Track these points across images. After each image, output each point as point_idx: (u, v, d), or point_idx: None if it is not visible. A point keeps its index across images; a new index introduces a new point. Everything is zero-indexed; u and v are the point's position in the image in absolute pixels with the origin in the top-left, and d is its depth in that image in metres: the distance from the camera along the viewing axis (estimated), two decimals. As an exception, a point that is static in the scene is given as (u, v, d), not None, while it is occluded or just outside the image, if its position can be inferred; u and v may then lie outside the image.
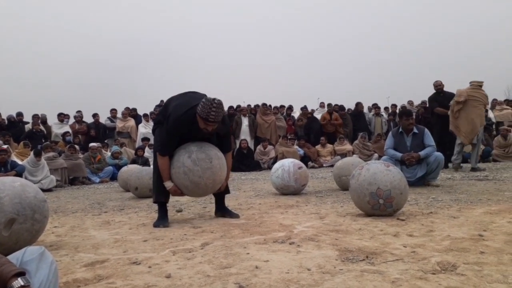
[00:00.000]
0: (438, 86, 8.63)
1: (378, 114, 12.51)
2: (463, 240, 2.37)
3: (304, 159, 10.18)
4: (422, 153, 5.21)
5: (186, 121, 3.14)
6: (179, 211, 3.98)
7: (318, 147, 11.14)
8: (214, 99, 3.02)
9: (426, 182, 5.30)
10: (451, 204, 3.71)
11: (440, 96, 8.58)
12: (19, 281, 1.13)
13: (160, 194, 3.36)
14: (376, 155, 10.48)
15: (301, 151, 10.73)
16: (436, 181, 5.31)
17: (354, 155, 10.08)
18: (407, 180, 3.36)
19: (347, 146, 11.06)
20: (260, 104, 12.22)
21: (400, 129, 5.49)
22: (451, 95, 8.45)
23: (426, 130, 5.46)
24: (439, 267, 1.87)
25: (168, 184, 3.26)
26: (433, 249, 2.19)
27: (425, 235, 2.55)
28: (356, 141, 11.11)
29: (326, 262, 2.02)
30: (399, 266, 1.91)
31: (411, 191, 4.45)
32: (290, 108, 13.07)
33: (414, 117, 5.52)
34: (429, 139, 5.35)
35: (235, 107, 12.33)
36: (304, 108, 12.70)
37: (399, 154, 5.29)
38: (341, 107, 12.34)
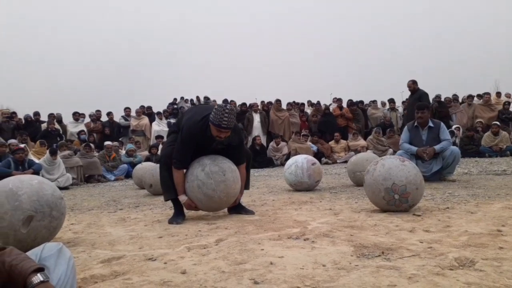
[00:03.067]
0: (408, 87, 8.61)
1: (393, 108, 12.40)
2: (481, 235, 2.33)
3: (318, 155, 10.13)
4: (437, 147, 5.12)
5: (199, 131, 3.19)
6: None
7: (332, 143, 11.07)
8: (226, 105, 3.12)
9: (442, 177, 5.22)
10: (468, 199, 3.65)
11: (411, 96, 8.57)
12: (39, 277, 1.15)
13: (167, 192, 3.38)
14: (390, 150, 10.37)
15: (315, 147, 10.68)
16: (452, 175, 5.23)
17: (368, 151, 9.99)
18: (422, 175, 3.32)
19: (361, 142, 10.96)
20: (272, 100, 12.20)
21: (416, 123, 5.41)
22: (419, 95, 8.37)
23: (442, 124, 5.37)
24: (457, 263, 1.84)
25: (183, 198, 3.29)
26: (450, 244, 2.16)
27: (442, 230, 2.51)
28: (370, 137, 11.01)
29: (341, 258, 2.00)
30: (415, 262, 1.88)
31: (427, 186, 4.39)
32: (303, 104, 13.03)
33: (427, 110, 5.40)
34: (445, 133, 5.26)
35: (247, 104, 12.31)
36: (317, 104, 12.63)
37: (414, 148, 5.21)
38: (352, 102, 12.24)
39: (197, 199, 3.25)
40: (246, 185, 3.65)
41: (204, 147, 3.32)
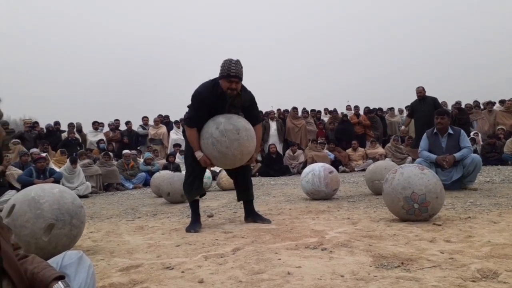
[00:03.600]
0: (419, 93, 8.47)
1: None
2: (504, 246, 2.26)
3: (335, 163, 10.03)
4: (457, 155, 5.02)
5: (209, 91, 3.26)
6: (210, 216, 4.01)
7: (349, 151, 10.96)
8: (231, 59, 3.19)
9: (463, 186, 5.11)
10: (491, 209, 3.56)
11: (421, 102, 8.41)
12: (60, 285, 1.17)
13: (190, 194, 3.47)
14: (409, 158, 10.21)
15: (332, 155, 10.59)
16: (473, 184, 5.11)
17: (387, 159, 9.86)
18: (442, 183, 3.25)
19: (379, 150, 10.83)
20: (288, 108, 12.17)
21: (435, 130, 5.32)
22: (432, 100, 8.25)
23: (462, 131, 5.26)
24: (480, 275, 1.79)
25: (198, 154, 3.32)
26: (473, 255, 2.11)
27: (464, 241, 2.45)
28: (389, 144, 10.87)
29: (360, 268, 1.97)
30: (436, 273, 1.84)
31: (448, 195, 4.31)
32: (319, 111, 12.98)
33: (447, 116, 5.31)
34: (465, 140, 5.15)
35: (263, 112, 12.31)
36: (333, 112, 12.55)
37: (433, 156, 5.12)
38: (370, 110, 12.12)
39: (212, 156, 3.28)
40: (250, 194, 3.61)
41: (217, 111, 3.31)
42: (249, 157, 3.40)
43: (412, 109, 8.78)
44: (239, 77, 3.18)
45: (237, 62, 3.18)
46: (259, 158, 10.85)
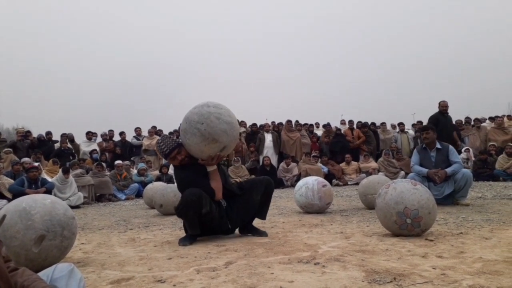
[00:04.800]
0: (444, 107, 8.58)
1: (403, 130, 12.34)
2: (496, 262, 2.28)
3: (328, 176, 10.06)
4: (449, 170, 5.09)
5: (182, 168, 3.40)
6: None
7: (343, 164, 11.00)
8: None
9: (456, 201, 5.15)
10: (483, 224, 3.58)
11: (443, 116, 8.52)
12: (50, 298, 1.16)
13: (193, 228, 3.31)
14: (402, 172, 10.27)
15: (325, 169, 10.62)
16: (465, 199, 5.15)
17: (380, 173, 9.90)
18: (434, 198, 3.28)
19: (372, 164, 10.88)
20: (282, 121, 12.24)
21: (424, 145, 5.44)
22: (450, 119, 8.41)
23: (450, 147, 5.38)
24: (471, 291, 1.79)
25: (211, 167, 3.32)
26: (464, 271, 2.11)
27: (456, 256, 2.46)
28: (381, 159, 10.93)
29: (352, 283, 1.97)
30: (428, 289, 1.84)
31: (440, 210, 4.33)
32: (312, 125, 13.06)
33: (432, 131, 5.42)
34: (454, 155, 5.25)
35: (258, 125, 12.36)
36: (327, 125, 12.64)
37: (425, 170, 5.20)
38: (364, 124, 12.21)
39: (222, 131, 3.18)
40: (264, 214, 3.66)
41: (199, 169, 3.36)
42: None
43: (437, 121, 8.76)
44: (172, 149, 3.33)
45: (161, 139, 3.43)
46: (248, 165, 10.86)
